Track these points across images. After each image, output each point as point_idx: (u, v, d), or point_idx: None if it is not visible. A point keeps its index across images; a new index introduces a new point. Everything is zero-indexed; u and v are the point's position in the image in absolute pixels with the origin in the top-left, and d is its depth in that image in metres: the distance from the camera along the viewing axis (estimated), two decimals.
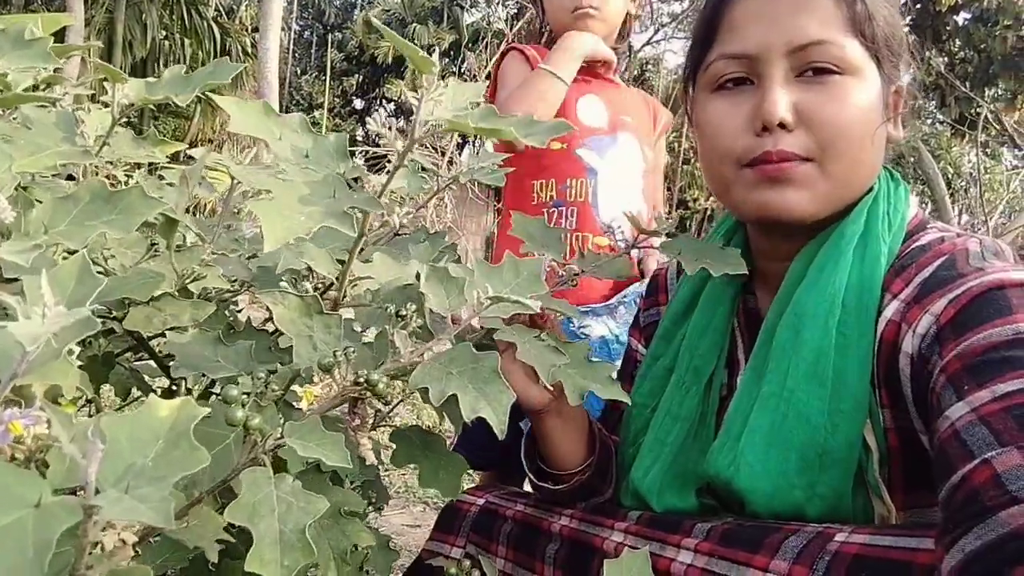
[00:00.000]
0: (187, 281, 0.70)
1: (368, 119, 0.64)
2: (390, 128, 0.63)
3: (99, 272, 0.53)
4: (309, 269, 0.84)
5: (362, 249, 0.82)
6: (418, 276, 0.64)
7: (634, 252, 1.19)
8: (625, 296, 1.52)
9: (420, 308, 0.62)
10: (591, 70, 1.59)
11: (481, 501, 1.00)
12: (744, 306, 0.91)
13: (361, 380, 0.55)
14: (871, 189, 0.81)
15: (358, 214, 0.57)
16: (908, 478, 0.73)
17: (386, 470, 2.66)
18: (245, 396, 0.52)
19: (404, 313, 0.60)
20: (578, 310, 1.47)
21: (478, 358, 0.58)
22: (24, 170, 0.65)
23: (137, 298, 0.61)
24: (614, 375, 0.75)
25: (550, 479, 0.92)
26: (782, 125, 0.75)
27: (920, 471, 0.71)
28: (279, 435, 0.51)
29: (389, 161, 0.70)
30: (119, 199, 0.54)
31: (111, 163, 0.97)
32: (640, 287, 1.52)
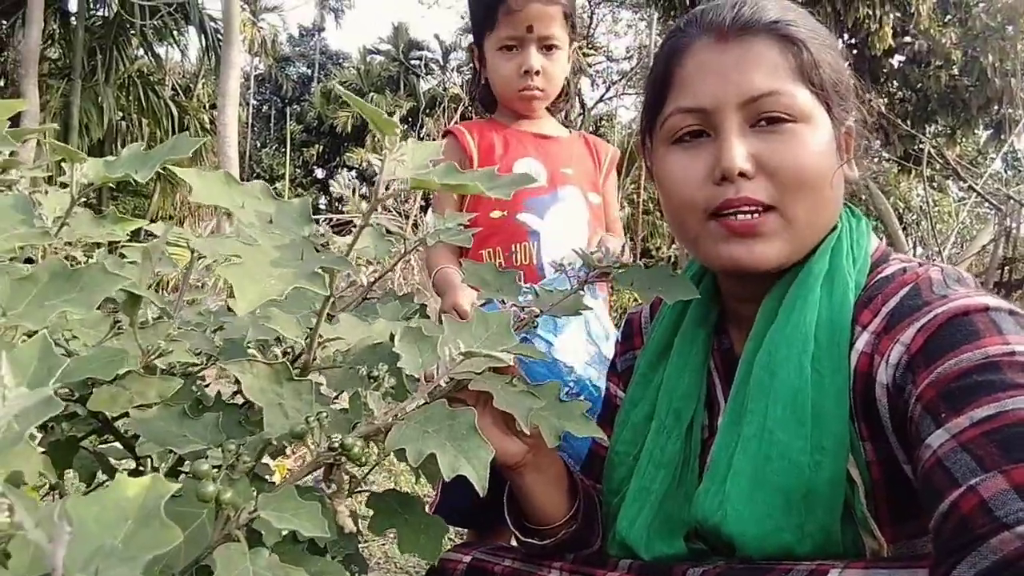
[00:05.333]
0: (152, 358, 0.69)
1: (331, 182, 0.65)
2: (353, 190, 0.64)
3: (61, 354, 0.52)
4: (278, 338, 0.83)
5: (331, 315, 0.82)
6: (392, 337, 0.63)
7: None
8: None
9: (392, 368, 0.61)
10: (524, 132, 1.63)
11: (468, 559, 0.97)
12: (719, 347, 0.92)
13: (335, 445, 0.54)
14: (834, 228, 0.83)
15: (327, 274, 0.56)
16: (894, 510, 0.72)
17: (365, 541, 2.59)
18: (216, 470, 0.51)
19: (376, 374, 0.60)
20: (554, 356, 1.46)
21: (454, 415, 0.57)
22: None
23: (101, 377, 0.59)
24: (587, 412, 0.75)
25: (535, 535, 0.91)
26: (742, 175, 0.77)
27: (906, 502, 0.71)
28: (252, 508, 0.49)
29: (354, 226, 0.71)
30: (79, 277, 0.53)
31: (70, 244, 0.96)
32: None
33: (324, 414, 0.56)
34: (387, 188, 0.63)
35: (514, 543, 1.03)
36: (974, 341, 0.64)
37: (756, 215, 0.78)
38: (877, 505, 0.72)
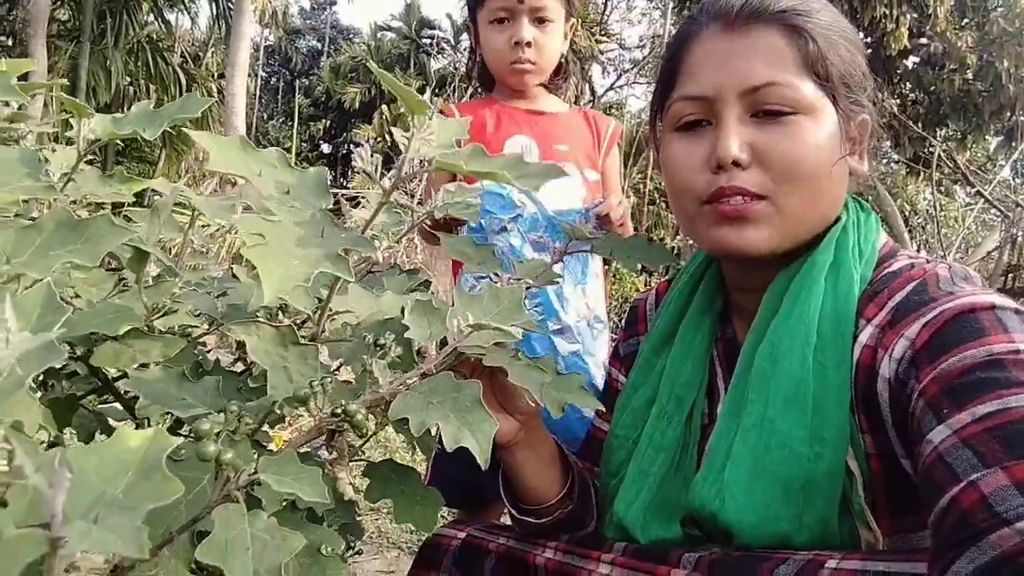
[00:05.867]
0: (156, 316, 0.68)
1: (354, 154, 0.64)
2: (375, 166, 0.63)
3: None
4: (283, 307, 0.82)
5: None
6: (403, 310, 0.63)
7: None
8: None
9: (399, 338, 0.61)
10: (517, 109, 1.60)
11: (462, 535, 0.98)
12: (723, 336, 0.92)
13: (338, 411, 0.54)
14: (839, 220, 0.83)
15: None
16: (892, 503, 0.72)
17: (358, 515, 2.59)
18: (217, 431, 0.50)
19: (383, 342, 0.59)
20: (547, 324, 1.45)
21: (459, 387, 0.56)
22: None
23: (105, 332, 0.59)
24: (586, 384, 0.76)
25: (531, 515, 0.91)
26: (737, 164, 0.77)
27: (904, 496, 0.71)
28: (252, 470, 0.49)
29: (360, 199, 0.70)
30: (85, 227, 0.52)
31: (75, 202, 0.95)
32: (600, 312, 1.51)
33: (328, 379, 0.56)
34: (413, 164, 0.62)
35: (505, 521, 1.03)
36: (979, 338, 0.64)
37: (746, 201, 0.77)
38: (875, 498, 0.72)
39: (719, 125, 0.79)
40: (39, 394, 0.83)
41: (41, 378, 0.88)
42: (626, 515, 0.84)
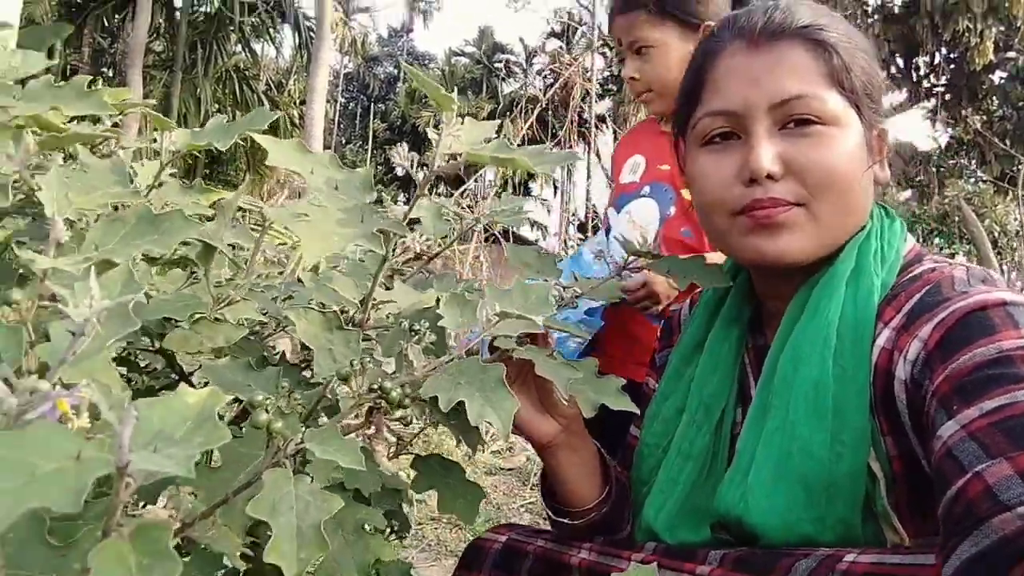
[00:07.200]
0: (222, 306, 0.75)
1: (391, 153, 0.70)
2: (412, 162, 0.69)
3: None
4: (343, 310, 0.89)
5: (388, 287, 0.88)
6: (438, 301, 0.68)
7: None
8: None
9: (433, 326, 0.66)
10: (651, 130, 1.67)
11: (503, 538, 1.01)
12: (754, 343, 0.93)
13: (375, 387, 0.59)
14: (863, 228, 0.84)
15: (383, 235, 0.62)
16: (916, 505, 0.73)
17: (419, 524, 2.66)
18: (269, 404, 0.56)
19: (417, 328, 0.64)
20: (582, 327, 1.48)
21: (485, 369, 0.62)
22: (79, 207, 0.71)
23: (177, 317, 0.66)
24: (622, 387, 0.78)
25: (568, 516, 0.94)
26: (770, 177, 0.78)
27: (927, 497, 0.71)
28: (300, 440, 0.54)
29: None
30: (162, 221, 0.60)
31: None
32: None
33: (368, 360, 0.61)
34: (444, 161, 0.68)
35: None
36: (989, 335, 0.65)
37: (782, 208, 0.79)
38: (898, 499, 0.73)
39: (749, 139, 0.81)
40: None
41: (125, 372, 0.97)
42: (654, 521, 0.86)
